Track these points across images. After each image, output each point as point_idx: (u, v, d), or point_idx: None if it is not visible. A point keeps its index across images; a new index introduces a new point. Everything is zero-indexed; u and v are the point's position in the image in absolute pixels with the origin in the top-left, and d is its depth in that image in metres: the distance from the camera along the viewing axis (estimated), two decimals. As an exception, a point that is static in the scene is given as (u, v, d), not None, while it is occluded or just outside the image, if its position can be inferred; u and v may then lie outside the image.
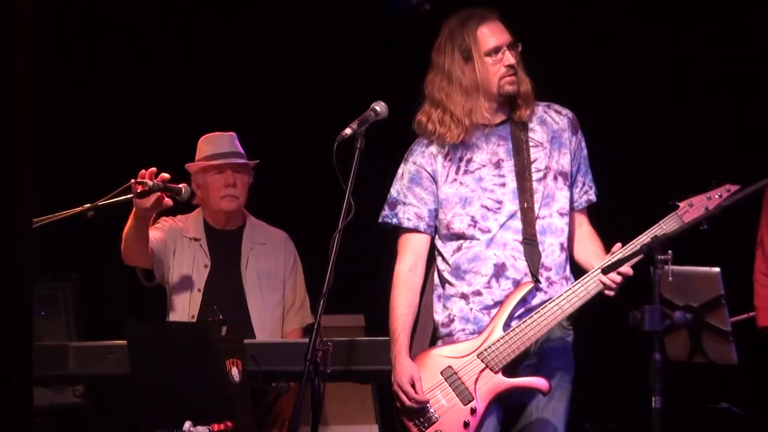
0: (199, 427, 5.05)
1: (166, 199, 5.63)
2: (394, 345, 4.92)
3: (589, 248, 5.05)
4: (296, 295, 6.19)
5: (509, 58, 4.89)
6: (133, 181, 5.59)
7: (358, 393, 6.40)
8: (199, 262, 6.11)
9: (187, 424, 5.03)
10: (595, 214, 5.16)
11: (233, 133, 6.16)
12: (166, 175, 5.62)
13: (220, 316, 5.71)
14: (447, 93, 4.94)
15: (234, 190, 6.04)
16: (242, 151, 6.13)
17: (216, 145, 6.11)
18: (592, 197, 5.09)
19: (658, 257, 4.57)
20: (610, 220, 5.21)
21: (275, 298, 6.15)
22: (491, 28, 4.92)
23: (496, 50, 4.88)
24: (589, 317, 4.98)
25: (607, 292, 4.84)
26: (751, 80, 7.85)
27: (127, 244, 5.91)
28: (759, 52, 7.78)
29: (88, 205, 5.68)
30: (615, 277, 4.81)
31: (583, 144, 5.09)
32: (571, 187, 5.03)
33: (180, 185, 5.68)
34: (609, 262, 4.82)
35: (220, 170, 6.04)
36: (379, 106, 4.85)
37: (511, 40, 4.92)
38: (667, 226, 4.82)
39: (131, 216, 5.78)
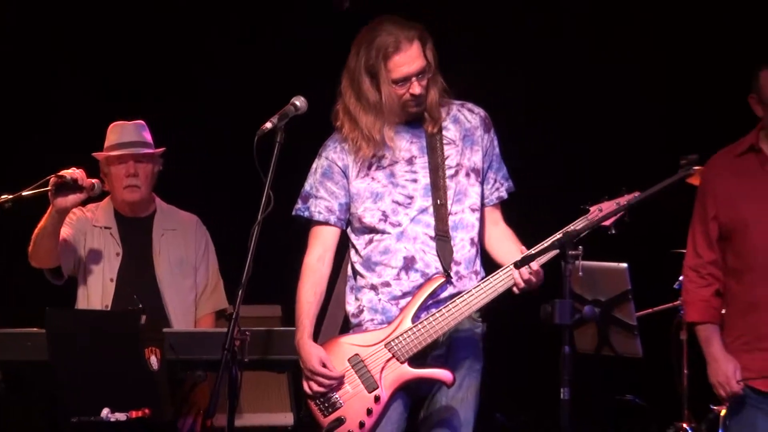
0: (117, 414, 5.04)
1: (81, 194, 5.57)
2: (298, 330, 4.87)
3: (503, 245, 5.00)
4: (208, 280, 6.12)
5: (416, 88, 4.83)
6: (52, 176, 5.53)
7: (274, 381, 6.37)
8: (110, 251, 6.01)
9: (105, 411, 5.01)
10: (516, 210, 5.18)
11: (141, 122, 6.09)
12: (76, 172, 5.56)
13: (140, 305, 5.65)
14: (356, 108, 4.91)
15: (135, 180, 5.97)
16: (149, 139, 6.05)
17: (119, 134, 6.04)
18: (504, 194, 5.05)
19: (569, 252, 4.56)
20: (529, 218, 5.22)
21: (188, 284, 6.08)
22: (403, 57, 4.82)
23: (405, 79, 4.83)
24: (500, 310, 4.93)
25: (515, 289, 4.81)
26: (671, 88, 7.96)
27: (37, 243, 5.85)
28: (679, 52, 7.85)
29: (7, 196, 5.60)
30: (526, 275, 4.78)
31: (496, 142, 5.04)
32: (482, 183, 5.00)
33: (93, 180, 5.62)
34: (522, 257, 4.76)
35: (122, 160, 5.98)
36: (299, 101, 4.81)
37: (421, 68, 4.84)
38: (576, 226, 4.77)
39: (47, 213, 5.70)
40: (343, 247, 5.02)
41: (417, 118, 4.93)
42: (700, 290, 5.26)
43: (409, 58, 4.81)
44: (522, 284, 4.78)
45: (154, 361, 5.10)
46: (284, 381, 6.42)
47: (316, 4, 7.47)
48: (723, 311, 5.27)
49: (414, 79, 4.82)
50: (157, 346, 5.12)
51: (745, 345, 5.13)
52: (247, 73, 7.71)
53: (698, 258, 5.27)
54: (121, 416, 5.03)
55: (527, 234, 4.99)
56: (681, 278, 6.81)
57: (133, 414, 5.04)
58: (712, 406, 6.76)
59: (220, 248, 6.14)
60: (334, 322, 5.01)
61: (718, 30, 7.99)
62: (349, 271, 4.99)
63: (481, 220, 4.99)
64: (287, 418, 6.46)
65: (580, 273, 4.70)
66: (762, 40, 7.06)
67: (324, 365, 4.78)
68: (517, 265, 4.75)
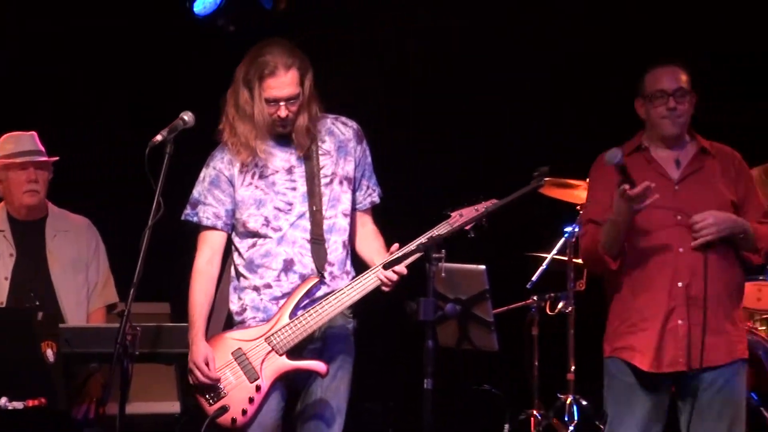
0: (14, 402, 4.96)
1: None
2: (191, 329, 4.87)
3: (372, 246, 5.04)
4: (99, 277, 6.03)
5: (282, 111, 4.86)
6: None
7: (163, 373, 6.32)
8: (4, 252, 5.92)
9: (3, 400, 4.94)
10: (382, 214, 5.18)
11: (34, 133, 6.04)
12: None
13: (37, 302, 5.62)
14: (235, 117, 4.92)
15: (36, 185, 5.92)
16: (43, 149, 6.01)
17: (18, 143, 5.98)
18: (376, 199, 5.09)
19: (433, 255, 4.63)
20: (395, 221, 5.24)
21: (80, 281, 5.97)
22: (275, 82, 4.84)
23: (276, 101, 4.85)
24: (370, 307, 4.96)
25: (384, 288, 4.84)
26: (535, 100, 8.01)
27: None
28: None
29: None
30: (392, 275, 4.82)
31: (368, 152, 5.08)
32: (355, 191, 5.03)
33: None
34: (390, 259, 4.83)
35: (23, 167, 5.92)
36: (187, 116, 4.80)
37: (291, 95, 4.86)
38: (439, 231, 4.83)
39: None
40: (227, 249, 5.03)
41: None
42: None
43: (281, 84, 4.85)
44: (390, 284, 4.83)
45: (50, 354, 5.04)
46: (172, 372, 6.34)
47: (202, 32, 7.43)
48: (612, 304, 5.23)
49: (283, 103, 4.85)
50: (53, 341, 5.06)
51: (632, 328, 5.09)
52: (142, 87, 7.63)
53: (599, 216, 5.13)
54: (18, 405, 4.97)
55: (393, 237, 5.00)
56: (539, 271, 6.97)
57: (30, 403, 4.97)
58: (558, 395, 6.85)
59: (114, 250, 6.07)
60: (219, 318, 4.99)
61: (596, 40, 7.94)
62: (233, 273, 4.99)
63: (352, 223, 5.02)
64: (174, 407, 6.40)
65: (443, 274, 4.71)
66: (644, 50, 7.07)
67: (207, 364, 4.80)
68: (386, 266, 4.81)
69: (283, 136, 4.95)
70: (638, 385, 5.08)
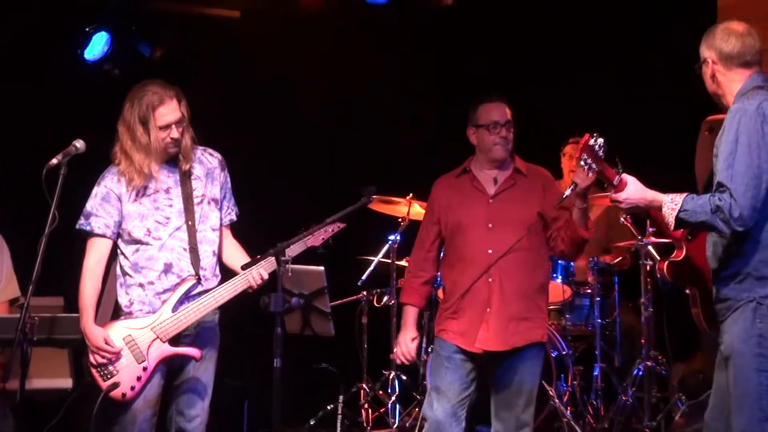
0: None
1: None
2: (83, 317, 4.83)
3: (233, 254, 5.09)
4: (3, 276, 5.95)
5: (174, 133, 4.86)
6: None
7: (57, 355, 6.23)
8: None
9: None
10: (242, 229, 5.21)
11: None
12: None
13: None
14: (130, 148, 4.88)
15: None
16: None
17: None
18: (234, 217, 5.14)
19: (282, 259, 4.70)
20: (254, 234, 5.28)
21: None
22: (166, 109, 4.85)
23: (167, 126, 4.86)
24: (233, 300, 4.97)
25: (248, 289, 4.92)
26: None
27: None
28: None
29: None
30: (258, 279, 4.90)
31: (228, 178, 5.12)
32: (220, 209, 5.06)
33: None
34: (248, 262, 4.90)
35: None
36: (79, 143, 4.76)
37: (178, 118, 4.87)
38: (291, 243, 4.84)
39: None
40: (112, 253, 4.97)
41: (174, 158, 4.96)
42: (413, 279, 5.26)
43: (170, 110, 4.86)
44: (255, 286, 4.91)
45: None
46: (65, 354, 6.28)
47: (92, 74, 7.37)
48: (441, 292, 5.28)
49: (173, 126, 4.86)
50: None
51: (453, 314, 5.11)
52: (39, 116, 7.51)
53: (418, 254, 5.27)
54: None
55: (254, 247, 5.04)
56: (368, 271, 6.93)
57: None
58: (383, 371, 6.93)
59: (17, 253, 5.98)
60: (106, 310, 4.96)
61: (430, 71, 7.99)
62: (119, 272, 4.96)
63: (219, 235, 5.05)
64: (67, 383, 6.25)
65: (290, 274, 4.78)
66: (476, 81, 7.04)
67: (106, 342, 4.79)
68: (244, 267, 4.87)
69: (168, 161, 4.94)
70: (454, 360, 5.09)
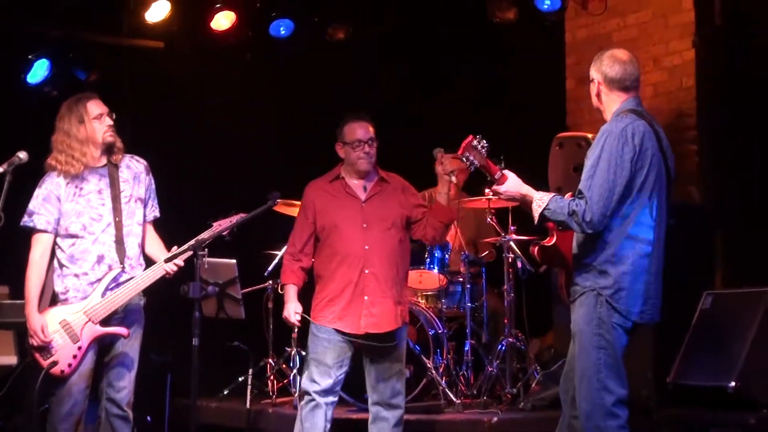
0: None
1: None
2: (28, 305, 4.80)
3: (155, 247, 5.08)
4: None
5: (108, 120, 4.90)
6: None
7: (4, 336, 6.14)
8: None
9: None
10: (164, 224, 5.19)
11: None
12: None
13: None
14: (68, 144, 4.88)
15: None
16: None
17: None
18: (157, 214, 5.13)
19: (199, 252, 4.73)
20: (174, 229, 5.27)
21: None
22: (96, 103, 4.90)
23: (100, 116, 4.88)
24: (158, 288, 4.96)
25: (167, 276, 4.91)
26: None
27: None
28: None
29: None
30: (173, 267, 4.89)
31: (152, 181, 5.11)
32: (145, 207, 5.05)
33: None
34: (170, 255, 4.88)
35: None
36: (22, 154, 4.73)
37: (108, 110, 4.90)
38: (204, 236, 4.87)
39: None
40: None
41: (106, 163, 4.95)
42: (293, 263, 5.20)
43: (98, 104, 4.92)
44: (171, 273, 4.91)
45: None
46: (10, 336, 6.19)
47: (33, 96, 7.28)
48: (317, 286, 5.21)
49: (105, 115, 4.90)
50: None
51: (331, 302, 5.10)
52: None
53: (293, 248, 5.22)
54: None
55: (172, 239, 5.03)
56: (273, 263, 6.75)
57: None
58: (286, 348, 6.80)
59: None
60: (46, 297, 4.86)
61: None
62: (56, 263, 4.90)
63: (143, 230, 5.04)
64: (12, 360, 6.16)
65: (206, 265, 4.79)
66: (342, 101, 6.83)
67: (42, 331, 4.75)
68: (167, 260, 4.88)
69: (99, 167, 4.92)
70: (330, 341, 5.10)
